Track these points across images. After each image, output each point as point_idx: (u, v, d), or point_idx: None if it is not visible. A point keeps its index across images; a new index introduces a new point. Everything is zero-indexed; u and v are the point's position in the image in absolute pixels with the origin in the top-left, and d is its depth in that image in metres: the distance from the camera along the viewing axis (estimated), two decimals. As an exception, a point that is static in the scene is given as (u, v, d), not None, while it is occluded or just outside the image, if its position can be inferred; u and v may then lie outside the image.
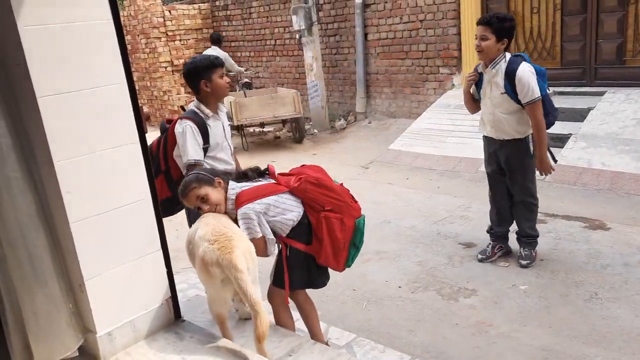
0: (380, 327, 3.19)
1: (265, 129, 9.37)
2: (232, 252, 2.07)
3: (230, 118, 7.59)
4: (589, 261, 3.70)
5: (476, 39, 3.50)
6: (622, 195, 4.71)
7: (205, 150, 3.02)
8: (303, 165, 2.68)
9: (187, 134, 2.90)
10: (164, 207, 3.17)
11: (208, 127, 3.00)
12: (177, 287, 3.78)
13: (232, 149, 3.24)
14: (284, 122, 8.71)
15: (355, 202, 2.56)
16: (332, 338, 3.03)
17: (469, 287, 3.57)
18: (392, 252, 4.21)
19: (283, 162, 6.78)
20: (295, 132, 8.48)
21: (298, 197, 2.47)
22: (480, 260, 3.89)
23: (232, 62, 9.23)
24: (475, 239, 4.25)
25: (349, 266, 2.58)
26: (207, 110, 3.01)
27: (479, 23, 3.48)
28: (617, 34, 6.21)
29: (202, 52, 9.50)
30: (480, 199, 4.81)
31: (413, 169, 6.38)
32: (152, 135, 3.67)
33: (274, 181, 2.52)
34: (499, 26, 3.40)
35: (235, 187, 2.43)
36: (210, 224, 2.22)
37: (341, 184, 2.58)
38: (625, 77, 6.18)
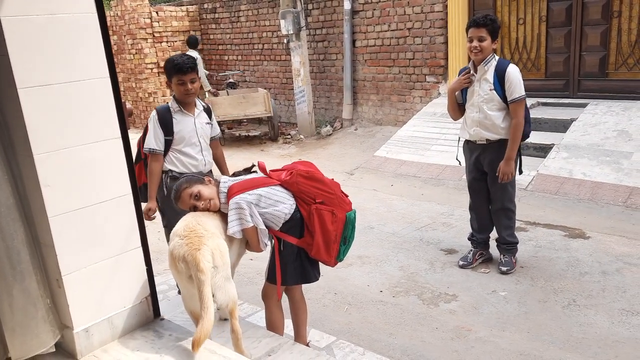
0: (360, 330, 3.20)
1: (250, 133, 9.55)
2: (199, 249, 2.08)
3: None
4: (568, 269, 3.75)
5: (471, 41, 3.53)
6: (602, 205, 4.79)
7: (169, 142, 3.17)
8: (294, 162, 2.72)
9: (149, 122, 3.18)
10: (140, 193, 3.26)
11: (173, 120, 3.17)
12: (158, 288, 3.76)
13: (207, 147, 3.32)
14: (260, 121, 9.43)
15: (346, 195, 2.59)
16: (313, 340, 3.02)
17: (450, 292, 3.59)
18: (375, 257, 4.23)
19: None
20: (271, 130, 9.09)
21: (290, 190, 2.49)
22: (462, 267, 3.92)
23: (203, 71, 9.24)
24: (457, 246, 4.29)
25: (340, 260, 2.59)
26: (174, 105, 3.21)
27: (473, 25, 3.51)
28: (600, 46, 6.33)
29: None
30: (463, 206, 4.85)
31: (398, 176, 6.42)
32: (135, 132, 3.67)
33: (265, 175, 2.57)
34: (493, 27, 3.49)
35: (227, 181, 2.51)
36: (186, 220, 2.27)
37: (332, 179, 2.61)
38: (608, 89, 6.30)
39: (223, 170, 3.53)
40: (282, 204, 2.46)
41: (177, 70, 3.09)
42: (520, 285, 3.60)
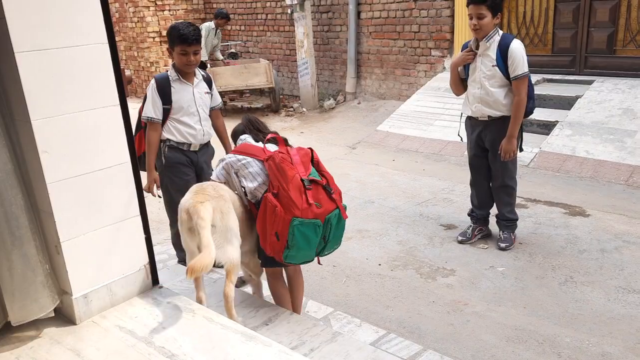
0: (358, 302, 3.23)
1: (252, 105, 9.51)
2: (202, 202, 2.24)
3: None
4: (566, 246, 3.76)
5: (471, 18, 3.47)
6: (604, 184, 4.77)
7: (167, 111, 3.16)
8: (309, 148, 2.58)
9: (148, 91, 3.16)
10: (141, 161, 3.32)
11: (172, 89, 3.15)
12: (158, 258, 3.81)
13: (206, 117, 3.32)
14: (261, 92, 9.41)
15: (310, 204, 2.34)
16: (310, 311, 3.07)
17: (448, 267, 3.61)
18: (374, 231, 4.24)
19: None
20: (272, 102, 9.05)
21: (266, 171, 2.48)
22: (460, 242, 3.93)
23: (204, 45, 8.71)
24: (457, 221, 4.29)
25: (308, 260, 2.51)
26: (173, 73, 3.18)
27: (472, 2, 3.44)
28: (609, 22, 6.21)
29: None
30: (464, 182, 4.84)
31: (400, 150, 6.39)
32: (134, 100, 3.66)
33: (274, 147, 2.56)
34: (493, 3, 3.39)
35: (243, 139, 2.67)
36: (204, 184, 2.49)
37: (313, 183, 2.41)
38: (615, 66, 6.20)
39: (224, 140, 3.51)
40: (251, 181, 2.48)
41: (182, 40, 3.05)
42: (518, 261, 3.61)
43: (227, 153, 3.58)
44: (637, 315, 2.91)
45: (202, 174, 3.42)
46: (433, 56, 7.78)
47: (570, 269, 3.44)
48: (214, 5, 10.95)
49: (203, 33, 8.16)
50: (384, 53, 8.41)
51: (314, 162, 2.52)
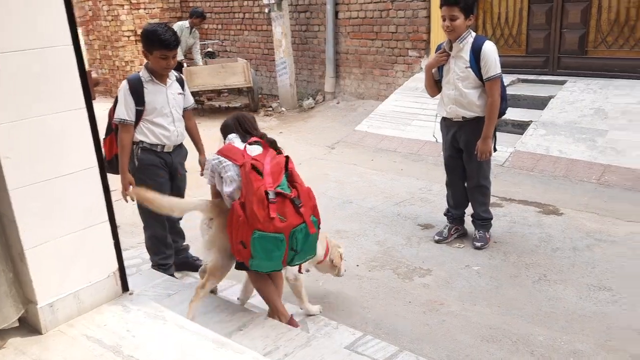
0: (335, 304, 3.21)
1: (230, 104, 9.47)
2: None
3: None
4: (540, 244, 3.81)
5: (444, 20, 3.49)
6: (576, 183, 4.84)
7: (140, 112, 3.12)
8: (285, 156, 2.56)
9: (119, 92, 3.11)
10: (112, 164, 3.24)
11: (144, 90, 3.11)
12: (132, 262, 3.75)
13: (179, 118, 3.29)
14: (239, 92, 9.38)
15: (272, 219, 2.33)
16: (285, 313, 3.04)
17: (424, 267, 3.62)
18: (353, 232, 4.24)
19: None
20: (251, 101, 9.01)
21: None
22: (437, 242, 3.95)
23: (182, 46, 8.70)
24: (434, 221, 4.32)
25: (276, 269, 2.54)
26: (146, 74, 3.14)
27: (444, 4, 3.46)
28: (580, 24, 6.31)
29: (167, 22, 9.29)
30: (441, 182, 4.85)
31: (378, 150, 6.41)
32: (102, 103, 3.60)
33: (258, 150, 2.54)
34: (465, 4, 3.41)
35: (231, 139, 2.65)
36: None
37: (279, 195, 2.39)
38: (586, 67, 6.31)
39: (197, 141, 3.50)
40: (226, 185, 2.48)
41: (164, 45, 3.04)
42: (493, 260, 3.65)
43: (200, 154, 3.56)
44: (607, 312, 2.96)
45: (176, 175, 3.39)
46: (410, 56, 7.82)
47: (544, 268, 3.49)
48: (191, 4, 10.84)
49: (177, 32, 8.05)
50: (362, 53, 8.42)
51: (288, 172, 2.49)
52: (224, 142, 2.70)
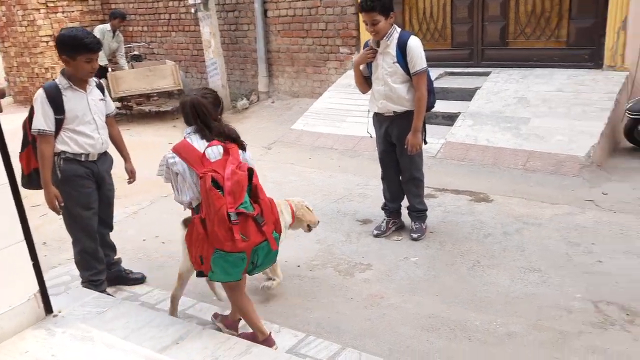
0: (277, 307, 3.18)
1: (161, 108, 9.22)
2: None
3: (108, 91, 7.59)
4: (473, 231, 3.94)
5: (367, 24, 3.53)
6: (504, 170, 5.06)
7: (60, 121, 2.97)
8: (249, 168, 2.42)
9: (36, 102, 2.93)
10: (32, 179, 3.05)
11: (63, 98, 2.96)
12: (60, 280, 3.55)
13: (102, 125, 3.16)
14: (170, 95, 9.02)
15: (234, 240, 2.25)
16: (227, 322, 2.97)
17: (365, 262, 3.66)
18: (293, 232, 4.16)
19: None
20: None
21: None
22: (376, 236, 4.00)
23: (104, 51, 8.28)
24: (372, 216, 4.37)
25: (235, 279, 2.49)
26: (63, 81, 2.99)
27: (362, 10, 3.51)
28: (500, 16, 6.59)
29: (87, 26, 8.87)
30: (378, 176, 4.88)
31: (315, 148, 6.41)
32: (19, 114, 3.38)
33: (218, 153, 2.41)
34: (382, 6, 3.44)
35: (188, 133, 2.48)
36: None
37: (242, 215, 2.29)
38: (508, 58, 6.60)
39: (121, 149, 3.39)
40: (183, 194, 2.41)
41: (89, 49, 2.92)
42: (429, 250, 3.73)
43: (125, 162, 3.43)
44: (537, 293, 3.10)
45: (103, 185, 3.25)
46: (342, 53, 7.88)
47: (477, 254, 3.61)
48: (112, 6, 10.39)
49: (98, 36, 7.68)
50: (294, 51, 8.40)
51: (252, 187, 2.38)
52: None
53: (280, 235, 2.54)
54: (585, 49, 6.09)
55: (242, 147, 2.53)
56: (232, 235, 2.24)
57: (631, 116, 5.13)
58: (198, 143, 2.44)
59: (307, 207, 3.43)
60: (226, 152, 2.39)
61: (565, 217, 4.04)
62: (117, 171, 3.48)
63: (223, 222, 2.23)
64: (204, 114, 2.44)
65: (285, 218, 3.17)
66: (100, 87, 3.20)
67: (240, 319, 2.76)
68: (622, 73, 5.71)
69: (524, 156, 5.08)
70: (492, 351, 2.64)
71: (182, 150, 2.42)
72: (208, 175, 2.26)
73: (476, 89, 6.19)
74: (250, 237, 2.30)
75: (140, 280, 3.54)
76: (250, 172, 2.38)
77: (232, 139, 2.48)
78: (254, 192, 2.38)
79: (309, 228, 3.45)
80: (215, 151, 2.42)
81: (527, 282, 3.22)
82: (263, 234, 2.35)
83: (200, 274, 2.57)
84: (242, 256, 2.31)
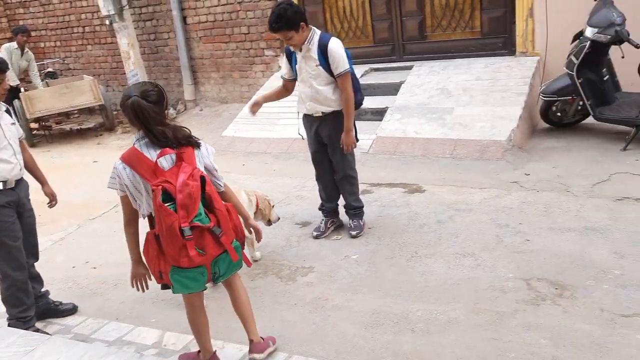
0: (219, 322, 3.09)
1: (83, 126, 8.80)
2: None
3: (20, 113, 7.19)
4: (409, 223, 4.03)
5: (284, 41, 3.54)
6: (433, 160, 5.21)
7: None
8: (202, 176, 2.26)
9: None
10: None
11: None
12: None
13: (18, 149, 3.04)
14: (91, 111, 8.64)
15: (189, 255, 2.17)
16: (169, 344, 2.88)
17: (306, 265, 3.65)
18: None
19: (107, 159, 6.24)
20: (105, 119, 8.43)
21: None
22: (316, 237, 4.01)
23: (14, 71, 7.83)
24: (310, 217, 4.36)
25: (200, 290, 2.49)
26: None
27: (271, 30, 3.50)
28: (417, 11, 6.77)
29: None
30: (314, 178, 4.91)
31: (248, 154, 6.33)
32: None
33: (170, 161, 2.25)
34: (288, 23, 3.40)
35: (136, 139, 2.29)
36: None
37: (196, 229, 2.20)
38: (428, 51, 6.80)
39: (36, 173, 3.27)
40: (139, 203, 2.31)
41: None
42: (369, 246, 3.78)
43: (43, 185, 3.28)
44: (472, 276, 3.22)
45: (24, 212, 3.09)
46: (267, 56, 7.84)
47: (414, 245, 3.69)
48: (20, 22, 9.79)
49: (5, 56, 7.21)
50: (218, 57, 8.26)
51: (205, 195, 2.24)
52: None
53: (244, 241, 2.49)
54: (498, 37, 6.39)
55: (196, 145, 2.36)
56: (187, 252, 2.16)
57: (545, 98, 5.43)
58: (148, 151, 2.25)
59: (269, 203, 3.75)
60: (179, 158, 2.25)
61: (493, 200, 4.22)
62: (37, 197, 3.29)
63: (176, 239, 2.15)
64: (146, 119, 2.21)
65: (252, 208, 3.57)
66: (8, 111, 3.08)
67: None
68: (533, 58, 6.04)
69: (450, 145, 5.26)
70: (436, 340, 2.70)
71: (132, 160, 2.25)
72: (158, 190, 2.14)
73: (401, 83, 6.33)
74: (207, 251, 2.23)
75: (71, 310, 3.36)
76: (203, 180, 2.24)
77: (183, 143, 2.29)
78: (208, 201, 2.27)
79: (269, 222, 3.77)
80: (168, 159, 2.26)
81: (462, 268, 3.33)
82: (221, 246, 2.27)
83: (164, 287, 2.46)
84: (201, 270, 2.28)
